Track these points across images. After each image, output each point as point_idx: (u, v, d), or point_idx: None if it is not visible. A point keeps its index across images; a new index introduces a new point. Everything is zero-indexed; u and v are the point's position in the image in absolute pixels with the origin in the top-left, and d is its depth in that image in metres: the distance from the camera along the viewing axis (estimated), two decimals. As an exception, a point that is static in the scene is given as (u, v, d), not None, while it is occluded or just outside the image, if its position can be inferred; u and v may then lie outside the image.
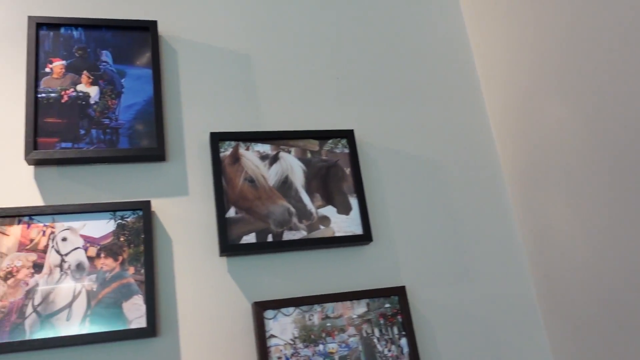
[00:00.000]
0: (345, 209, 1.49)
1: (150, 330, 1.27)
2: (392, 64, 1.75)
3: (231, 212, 1.41)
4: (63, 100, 1.40)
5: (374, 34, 1.77)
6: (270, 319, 1.35)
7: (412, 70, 1.76)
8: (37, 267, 1.28)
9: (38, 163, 1.36)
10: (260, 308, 1.35)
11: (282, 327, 1.36)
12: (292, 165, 1.50)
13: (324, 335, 1.38)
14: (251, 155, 1.48)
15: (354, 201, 1.51)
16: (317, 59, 1.68)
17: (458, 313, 1.52)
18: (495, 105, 1.74)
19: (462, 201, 1.64)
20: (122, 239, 1.33)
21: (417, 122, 1.69)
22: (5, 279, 1.25)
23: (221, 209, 1.40)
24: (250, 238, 1.40)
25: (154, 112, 1.44)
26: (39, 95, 1.39)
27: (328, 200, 1.49)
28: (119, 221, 1.35)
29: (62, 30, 1.46)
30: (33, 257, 1.28)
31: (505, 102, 1.69)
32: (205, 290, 1.37)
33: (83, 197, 1.38)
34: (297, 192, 1.47)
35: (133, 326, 1.28)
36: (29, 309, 1.24)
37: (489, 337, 1.52)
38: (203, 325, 1.35)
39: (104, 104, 1.43)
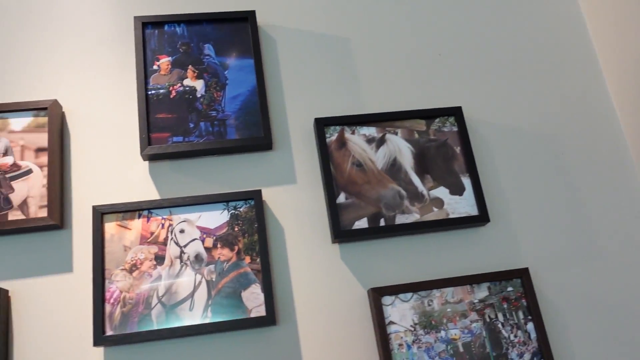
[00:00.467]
0: (458, 190, 1.42)
1: (270, 318, 1.27)
2: (499, 37, 1.65)
3: (341, 198, 1.38)
4: (172, 96, 1.43)
5: (478, 6, 1.68)
6: (388, 305, 1.31)
7: (522, 42, 1.65)
8: (159, 259, 1.31)
9: (152, 158, 1.39)
10: (378, 294, 1.31)
11: (401, 313, 1.31)
12: (399, 147, 1.44)
13: (445, 321, 1.32)
14: (357, 139, 1.44)
15: (466, 181, 1.43)
16: (417, 37, 1.62)
17: (587, 295, 1.40)
18: (612, 73, 1.60)
19: (583, 175, 1.52)
20: (236, 229, 1.34)
21: (529, 96, 1.58)
22: (131, 271, 1.29)
23: (331, 195, 1.37)
24: (362, 223, 1.37)
25: (259, 101, 1.44)
26: (149, 92, 1.42)
27: (439, 181, 1.43)
28: (232, 211, 1.36)
29: (166, 27, 1.49)
30: (154, 249, 1.32)
31: (623, 68, 1.54)
32: (319, 277, 1.36)
33: (195, 189, 1.40)
34: (406, 174, 1.42)
35: (253, 315, 1.28)
36: (154, 300, 1.28)
37: (623, 320, 1.39)
38: (319, 312, 1.33)
39: (210, 97, 1.44)
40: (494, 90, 1.58)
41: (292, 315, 1.32)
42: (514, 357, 1.30)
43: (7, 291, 1.27)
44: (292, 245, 1.38)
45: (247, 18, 1.51)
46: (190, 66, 1.46)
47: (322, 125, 1.43)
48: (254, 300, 1.29)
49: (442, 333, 1.31)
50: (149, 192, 1.39)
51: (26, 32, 1.51)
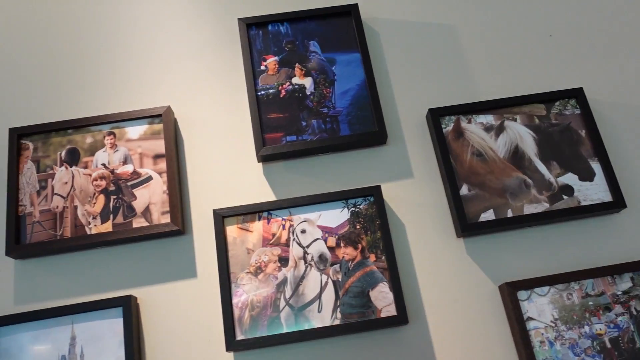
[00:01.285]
0: (588, 175, 1.34)
1: (402, 318, 1.22)
2: (615, 11, 1.55)
3: (464, 190, 1.32)
4: (281, 95, 1.41)
5: (581, -19, 1.59)
6: (524, 300, 1.24)
7: None
8: (283, 260, 1.29)
9: (266, 159, 1.37)
10: (512, 289, 1.24)
11: (539, 308, 1.24)
12: (520, 134, 1.37)
13: (587, 315, 1.23)
14: (475, 128, 1.38)
15: (596, 166, 1.35)
16: (525, 19, 1.54)
17: None
18: None
19: None
20: (358, 227, 1.30)
21: (654, 70, 1.49)
22: (256, 273, 1.27)
23: (454, 187, 1.32)
24: (488, 215, 1.30)
25: (369, 95, 1.40)
26: (259, 93, 1.41)
27: (566, 167, 1.35)
28: (352, 209, 1.32)
29: (270, 27, 1.48)
30: (277, 250, 1.30)
31: None
32: (446, 273, 1.30)
33: (310, 189, 1.37)
34: (530, 161, 1.35)
35: (383, 315, 1.24)
36: (282, 302, 1.25)
37: None
38: (449, 310, 1.27)
39: (320, 94, 1.41)
40: (614, 68, 1.48)
41: (422, 314, 1.27)
42: (667, 351, 1.21)
43: (135, 298, 1.28)
44: (415, 242, 1.33)
45: (350, 12, 1.48)
46: (297, 64, 1.44)
47: (437, 115, 1.38)
48: (382, 299, 1.24)
49: (586, 328, 1.22)
50: (265, 194, 1.37)
51: (134, 41, 1.53)
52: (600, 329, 1.23)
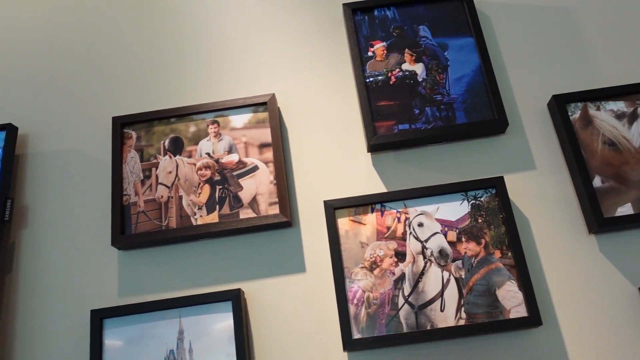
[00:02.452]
0: None
1: (534, 319, 1.12)
2: None
3: (597, 182, 1.22)
4: (391, 82, 1.34)
5: None
6: (671, 303, 1.13)
7: None
8: (400, 255, 1.20)
9: (377, 149, 1.30)
10: (658, 290, 1.13)
11: (690, 312, 1.12)
12: (657, 122, 1.26)
13: None
14: (605, 116, 1.27)
15: None
16: (650, 0, 1.43)
17: None
18: None
19: None
20: (480, 220, 1.21)
21: None
22: (371, 269, 1.20)
23: (585, 179, 1.21)
24: (625, 209, 1.19)
25: (486, 81, 1.31)
26: (367, 80, 1.34)
27: None
28: (472, 201, 1.23)
29: (376, 12, 1.41)
30: (393, 245, 1.21)
31: None
32: (577, 272, 1.19)
33: (423, 180, 1.29)
34: (671, 151, 1.23)
35: (512, 315, 1.14)
36: (401, 300, 1.17)
37: None
38: (584, 312, 1.16)
39: (433, 80, 1.33)
40: None
41: (553, 316, 1.16)
42: None
43: (242, 291, 1.22)
44: (541, 238, 1.22)
45: (461, -5, 1.40)
46: (407, 50, 1.36)
47: (562, 102, 1.28)
48: (511, 299, 1.15)
49: None
50: (375, 185, 1.29)
51: (236, 28, 1.49)
52: None
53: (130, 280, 1.27)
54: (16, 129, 1.39)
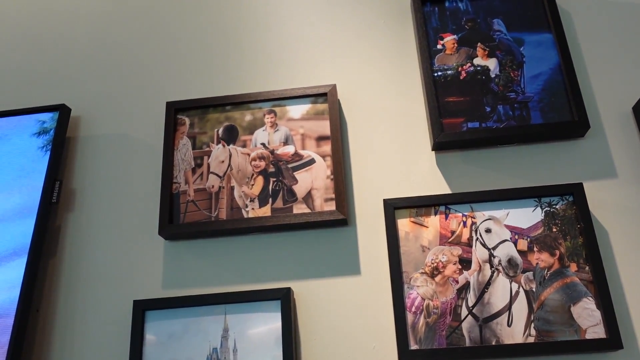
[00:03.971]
0: None
1: (614, 341, 1.01)
2: None
3: (689, 194, 1.10)
4: (461, 77, 1.25)
5: None
6: None
7: None
8: (464, 262, 1.11)
9: (443, 147, 1.21)
10: None
11: None
12: None
13: None
14: (699, 123, 1.16)
15: None
16: None
17: None
18: None
19: None
20: (554, 230, 1.11)
21: None
22: (432, 275, 1.11)
23: (677, 190, 1.10)
24: None
25: (566, 80, 1.21)
26: (436, 74, 1.26)
27: None
28: (547, 208, 1.13)
29: (447, 3, 1.33)
30: (458, 251, 1.12)
31: None
32: (662, 294, 1.08)
33: (492, 183, 1.19)
34: None
35: (589, 336, 1.03)
36: (464, 311, 1.08)
37: None
38: (669, 339, 1.05)
39: (507, 77, 1.24)
40: None
41: (634, 339, 1.05)
42: None
43: (292, 291, 1.14)
44: (621, 252, 1.11)
45: (540, -12, 1.31)
46: (479, 44, 1.28)
47: (651, 105, 1.17)
48: (587, 317, 1.04)
49: None
50: (439, 186, 1.21)
51: (297, 16, 1.43)
52: None
53: (175, 272, 1.21)
54: (69, 110, 1.36)
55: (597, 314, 1.04)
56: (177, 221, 1.22)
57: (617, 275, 1.10)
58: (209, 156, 1.27)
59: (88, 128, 1.38)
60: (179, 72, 1.41)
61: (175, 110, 1.32)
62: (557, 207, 1.13)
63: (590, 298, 1.05)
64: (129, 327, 1.17)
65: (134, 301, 1.16)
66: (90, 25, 1.53)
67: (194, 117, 1.31)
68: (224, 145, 1.28)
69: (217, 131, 1.29)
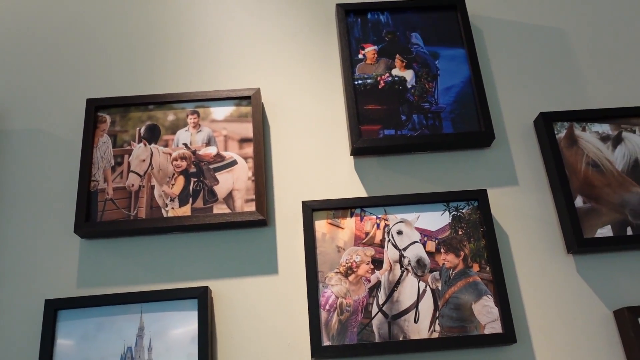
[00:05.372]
0: None
1: (509, 336, 1.09)
2: None
3: (578, 202, 1.21)
4: (380, 86, 1.31)
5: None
6: (646, 328, 1.11)
7: None
8: (376, 262, 1.17)
9: (361, 152, 1.27)
10: (634, 315, 1.11)
11: (663, 339, 1.11)
12: (640, 147, 1.26)
13: None
14: (590, 137, 1.27)
15: None
16: (638, 28, 1.45)
17: None
18: None
19: None
20: (460, 233, 1.19)
21: None
22: (346, 274, 1.15)
23: (568, 198, 1.20)
24: (605, 231, 1.18)
25: (475, 94, 1.30)
26: (356, 82, 1.31)
27: (692, 186, 1.23)
28: (454, 213, 1.20)
29: (369, 15, 1.39)
30: (371, 251, 1.18)
31: None
32: (553, 292, 1.17)
33: (405, 188, 1.26)
34: (652, 177, 1.23)
35: (487, 331, 1.11)
36: (375, 308, 1.13)
37: None
38: (557, 332, 1.14)
39: (422, 88, 1.31)
40: None
41: (527, 334, 1.14)
42: None
43: (210, 290, 1.16)
44: (519, 254, 1.21)
45: (455, 6, 1.39)
46: (398, 55, 1.34)
47: (549, 120, 1.27)
48: (486, 314, 1.12)
49: None
50: (355, 190, 1.26)
51: (223, 19, 1.45)
52: None
53: (91, 270, 1.20)
54: (-18, 103, 1.31)
55: (495, 311, 1.12)
56: (94, 219, 1.21)
57: (515, 276, 1.19)
58: (129, 155, 1.26)
59: (4, 122, 1.34)
60: (101, 69, 1.39)
61: (95, 107, 1.30)
62: (463, 211, 1.21)
63: (489, 296, 1.13)
64: (40, 327, 1.14)
65: (46, 300, 1.13)
66: (9, 18, 1.47)
67: (115, 114, 1.30)
68: (145, 144, 1.27)
69: (139, 130, 1.29)
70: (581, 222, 1.19)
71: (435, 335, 1.11)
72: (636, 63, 1.40)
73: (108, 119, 1.30)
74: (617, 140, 1.26)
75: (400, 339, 1.10)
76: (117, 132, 1.29)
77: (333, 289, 1.14)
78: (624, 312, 1.12)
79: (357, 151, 1.26)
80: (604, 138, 1.27)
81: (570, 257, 1.20)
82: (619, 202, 1.21)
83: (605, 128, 1.28)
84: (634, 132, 1.27)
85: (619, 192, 1.21)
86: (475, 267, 1.16)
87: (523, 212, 1.24)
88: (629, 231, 1.18)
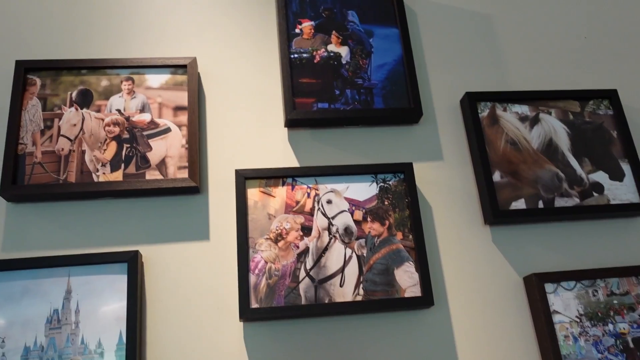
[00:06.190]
0: (618, 175, 1.33)
1: (427, 299, 1.16)
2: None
3: (496, 177, 1.29)
4: (315, 61, 1.34)
5: (614, -10, 1.61)
6: (550, 293, 1.21)
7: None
8: (306, 229, 1.21)
9: (294, 124, 1.30)
10: (540, 280, 1.21)
11: (565, 302, 1.20)
12: (554, 127, 1.35)
13: (612, 313, 1.21)
14: (510, 117, 1.35)
15: (626, 167, 1.34)
16: (562, 19, 1.54)
17: None
18: None
19: None
20: (386, 203, 1.24)
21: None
22: (276, 241, 1.19)
23: (487, 173, 1.28)
24: (519, 204, 1.27)
25: (406, 72, 1.35)
26: (292, 56, 1.34)
27: (598, 165, 1.33)
28: (381, 184, 1.26)
29: (308, -9, 1.42)
30: (300, 219, 1.22)
31: None
32: (470, 259, 1.25)
33: (336, 160, 1.31)
34: (563, 155, 1.33)
35: (407, 295, 1.17)
36: (302, 273, 1.17)
37: None
38: (472, 297, 1.22)
39: (356, 64, 1.36)
40: (646, 75, 1.50)
41: (444, 298, 1.22)
42: (688, 357, 1.19)
43: (140, 254, 1.17)
44: (441, 225, 1.28)
45: (391, -14, 1.44)
46: (334, 32, 1.38)
47: (473, 100, 1.34)
48: (408, 279, 1.18)
49: (610, 326, 1.20)
50: (288, 160, 1.29)
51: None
52: (624, 328, 1.20)
53: (17, 234, 1.18)
54: None
55: (416, 276, 1.19)
56: (21, 182, 1.19)
57: (436, 244, 1.26)
58: (60, 119, 1.25)
59: None
60: (32, 30, 1.36)
61: (25, 69, 1.27)
62: (390, 183, 1.27)
63: (411, 262, 1.20)
64: (-38, 290, 1.12)
65: (-31, 264, 1.12)
66: None
67: (46, 78, 1.28)
68: (77, 109, 1.26)
69: (71, 94, 1.27)
70: (498, 195, 1.27)
71: (359, 298, 1.16)
72: (555, 50, 1.49)
73: (38, 81, 1.27)
74: (534, 121, 1.35)
75: (326, 301, 1.15)
76: (48, 95, 1.26)
77: (263, 254, 1.18)
78: (532, 277, 1.22)
79: (291, 123, 1.30)
80: (523, 118, 1.35)
81: (487, 228, 1.29)
82: (533, 177, 1.30)
83: (524, 109, 1.36)
84: (550, 113, 1.37)
85: (534, 168, 1.30)
86: (399, 236, 1.22)
87: (446, 185, 1.31)
88: (541, 204, 1.27)
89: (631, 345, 1.19)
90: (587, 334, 1.19)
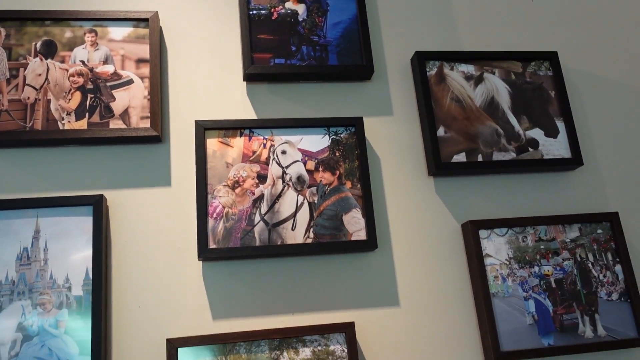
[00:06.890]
0: (553, 132, 1.44)
1: (371, 243, 1.27)
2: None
3: (440, 132, 1.38)
4: (273, 17, 1.40)
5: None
6: (484, 238, 1.33)
7: (605, -6, 1.66)
8: (261, 177, 1.30)
9: (252, 78, 1.37)
10: (475, 227, 1.33)
11: (497, 247, 1.33)
12: (497, 86, 1.45)
13: (538, 257, 1.34)
14: (456, 75, 1.44)
15: (560, 125, 1.45)
16: (510, -19, 1.62)
17: (668, 244, 1.44)
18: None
19: (668, 129, 1.54)
20: (337, 154, 1.34)
21: (623, 45, 1.60)
22: (233, 187, 1.28)
23: (432, 127, 1.37)
24: (460, 157, 1.37)
25: (360, 30, 1.42)
26: (251, 12, 1.40)
27: (535, 122, 1.44)
28: (333, 136, 1.35)
29: (267, -52, 1.46)
30: (256, 168, 1.30)
31: None
32: (414, 208, 1.36)
33: (292, 113, 1.39)
34: (504, 113, 1.43)
35: (354, 238, 1.28)
36: (257, 217, 1.27)
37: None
38: (414, 241, 1.34)
39: (312, 22, 1.42)
40: (589, 39, 1.59)
41: (388, 242, 1.33)
42: (602, 295, 1.33)
43: (105, 198, 1.24)
44: (388, 175, 1.38)
45: (348, -54, 1.49)
46: (292, -11, 1.44)
47: (422, 59, 1.42)
48: (355, 224, 1.29)
49: (536, 268, 1.33)
50: (246, 112, 1.37)
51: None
52: (548, 270, 1.33)
53: (-14, 178, 1.25)
54: None
55: (362, 222, 1.29)
56: (-12, 129, 1.24)
57: (382, 193, 1.36)
58: (25, 68, 1.29)
59: None
60: (-5, -19, 1.39)
61: (-11, 18, 1.31)
62: (341, 135, 1.35)
63: (358, 209, 1.30)
64: None
65: (-60, 205, 1.18)
66: None
67: (10, 28, 1.31)
68: (41, 59, 1.30)
69: (35, 45, 1.31)
70: (441, 149, 1.37)
71: (309, 240, 1.27)
72: (503, 12, 1.57)
73: (3, 31, 1.31)
74: (478, 80, 1.44)
75: (279, 243, 1.25)
76: (13, 45, 1.31)
77: (221, 200, 1.27)
78: (468, 224, 1.33)
79: (249, 77, 1.36)
80: (468, 77, 1.44)
81: (431, 179, 1.39)
82: (474, 133, 1.40)
83: (470, 68, 1.45)
84: (494, 73, 1.46)
85: (475, 124, 1.40)
86: (348, 184, 1.32)
87: (394, 139, 1.41)
88: (480, 158, 1.38)
89: (553, 285, 1.32)
90: (515, 274, 1.32)
